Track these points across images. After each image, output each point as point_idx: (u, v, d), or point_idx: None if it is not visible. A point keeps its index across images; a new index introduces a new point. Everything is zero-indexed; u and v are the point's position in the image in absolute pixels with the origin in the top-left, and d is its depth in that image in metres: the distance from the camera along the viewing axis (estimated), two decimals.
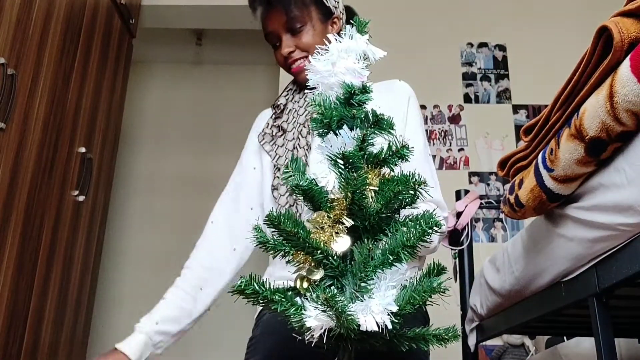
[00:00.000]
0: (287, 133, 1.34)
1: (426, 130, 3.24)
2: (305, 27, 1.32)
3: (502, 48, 3.41)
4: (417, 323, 0.78)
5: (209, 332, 3.42)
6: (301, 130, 1.32)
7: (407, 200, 0.72)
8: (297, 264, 0.71)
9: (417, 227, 0.68)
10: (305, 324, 0.65)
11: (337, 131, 0.73)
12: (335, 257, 0.69)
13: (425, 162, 1.30)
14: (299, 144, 1.31)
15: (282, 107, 1.38)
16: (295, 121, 1.35)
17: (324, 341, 0.66)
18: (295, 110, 1.37)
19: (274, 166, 1.32)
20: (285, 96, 1.41)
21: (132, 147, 4.21)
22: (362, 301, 0.65)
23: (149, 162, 4.25)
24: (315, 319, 0.65)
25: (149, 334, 1.21)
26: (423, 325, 0.74)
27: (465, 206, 1.63)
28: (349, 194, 0.69)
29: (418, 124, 1.34)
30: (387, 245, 0.69)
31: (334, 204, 0.71)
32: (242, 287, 0.68)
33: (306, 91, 1.41)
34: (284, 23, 1.31)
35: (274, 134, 1.36)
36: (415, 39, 3.39)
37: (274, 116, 1.39)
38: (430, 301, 0.68)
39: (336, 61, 0.75)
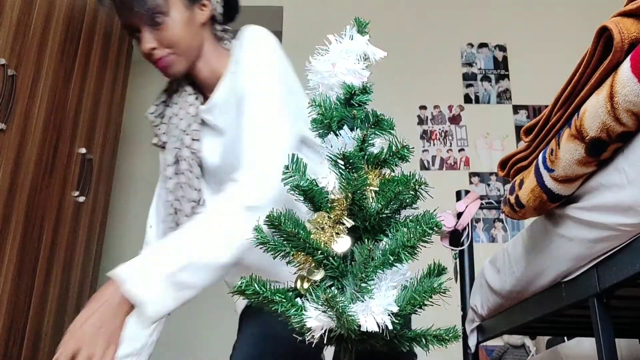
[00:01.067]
0: (167, 144, 1.22)
1: (426, 131, 3.26)
2: (166, 18, 1.13)
3: (502, 48, 3.41)
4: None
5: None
6: (183, 138, 1.19)
7: (407, 200, 0.72)
8: (297, 265, 0.71)
9: (418, 227, 0.68)
10: (305, 325, 0.65)
11: (337, 132, 0.73)
12: (335, 258, 0.69)
13: (270, 114, 1.11)
14: (180, 155, 1.19)
15: (154, 120, 1.27)
16: (176, 127, 1.21)
17: (325, 342, 0.66)
18: (175, 115, 1.22)
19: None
20: (156, 104, 1.28)
21: (133, 147, 4.21)
22: (363, 302, 0.65)
23: (150, 162, 4.23)
24: (316, 320, 0.65)
25: None
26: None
27: (466, 207, 1.63)
28: (350, 195, 0.69)
29: (256, 66, 1.15)
30: (387, 246, 0.69)
31: (335, 204, 0.71)
32: (243, 287, 0.68)
33: (186, 88, 1.22)
34: (140, 16, 1.12)
35: (158, 144, 1.27)
36: (416, 39, 3.39)
37: (153, 126, 1.28)
38: (431, 302, 0.68)
39: (336, 62, 0.75)
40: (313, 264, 0.70)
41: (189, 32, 1.17)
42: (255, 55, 1.17)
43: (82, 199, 2.48)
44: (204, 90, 1.25)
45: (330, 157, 0.72)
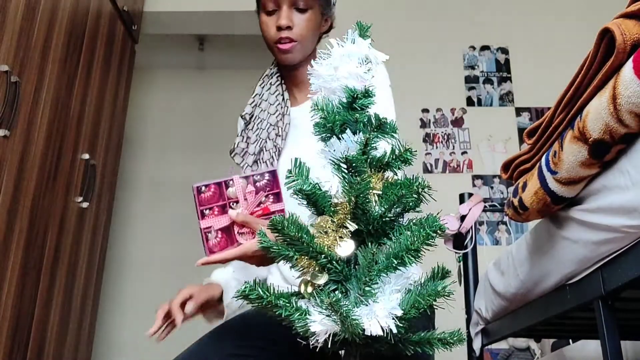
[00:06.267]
0: (252, 136, 1.30)
1: (429, 134, 3.26)
2: (309, 11, 1.25)
3: (504, 51, 3.41)
4: (420, 325, 0.77)
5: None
6: (270, 132, 1.27)
7: (410, 204, 0.72)
8: (301, 269, 0.70)
9: (421, 230, 0.68)
10: (309, 329, 0.65)
11: (340, 135, 0.73)
12: (339, 262, 0.69)
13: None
14: (265, 147, 1.27)
15: (248, 118, 1.34)
16: (263, 121, 1.29)
17: (329, 346, 0.66)
18: (264, 110, 1.31)
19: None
20: (251, 104, 1.36)
21: (136, 152, 4.21)
22: (367, 305, 0.65)
23: (153, 167, 4.25)
24: (320, 324, 0.65)
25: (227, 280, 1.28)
26: (429, 325, 0.73)
27: (469, 209, 1.62)
28: (353, 198, 0.69)
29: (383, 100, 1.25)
30: (391, 249, 0.69)
31: (338, 208, 0.71)
32: (247, 292, 0.68)
33: (264, 92, 1.37)
34: None
35: (247, 144, 1.32)
36: (417, 42, 3.39)
37: (244, 126, 1.35)
38: (435, 305, 0.68)
39: (338, 65, 0.75)
40: (317, 268, 0.69)
41: (314, 34, 1.29)
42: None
43: (85, 204, 2.48)
44: (297, 94, 1.34)
45: (333, 161, 0.72)
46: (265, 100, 1.33)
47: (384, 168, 0.74)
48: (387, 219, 0.71)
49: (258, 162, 1.28)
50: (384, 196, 0.71)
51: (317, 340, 0.66)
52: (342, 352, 0.73)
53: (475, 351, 1.55)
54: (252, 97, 1.37)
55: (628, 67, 0.73)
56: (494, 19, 3.47)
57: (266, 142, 1.27)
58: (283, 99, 1.31)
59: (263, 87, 1.36)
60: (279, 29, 1.24)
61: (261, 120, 1.31)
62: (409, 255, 0.67)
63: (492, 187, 3.14)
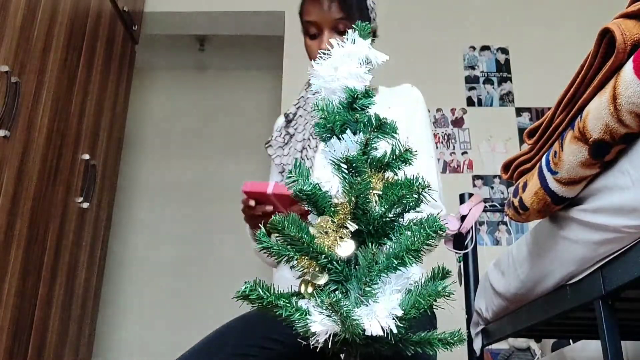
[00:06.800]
0: (297, 134, 1.36)
1: None
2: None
3: (504, 51, 3.41)
4: (421, 326, 0.78)
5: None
6: (312, 132, 1.34)
7: (410, 204, 0.72)
8: (301, 269, 0.70)
9: (422, 231, 0.68)
10: (310, 329, 0.65)
11: (340, 135, 0.73)
12: (339, 262, 0.69)
13: (430, 169, 1.35)
14: (309, 145, 1.33)
15: (291, 117, 1.41)
16: (307, 123, 1.37)
17: (329, 346, 0.66)
18: (308, 112, 1.39)
19: (282, 171, 1.36)
20: (296, 105, 1.43)
21: (136, 153, 4.21)
22: (367, 305, 0.65)
23: (153, 168, 4.25)
24: (320, 324, 0.65)
25: None
26: (429, 326, 0.73)
27: (469, 210, 1.62)
28: (353, 198, 0.69)
29: (424, 127, 1.39)
30: (391, 250, 0.69)
31: (338, 208, 0.71)
32: (247, 292, 0.68)
33: (309, 95, 1.44)
34: (333, 20, 1.27)
35: (285, 140, 1.39)
36: (418, 42, 3.39)
37: (285, 123, 1.42)
38: (436, 305, 0.68)
39: (339, 66, 0.75)
40: (317, 268, 0.69)
41: None
42: (423, 110, 1.42)
43: (85, 205, 2.48)
44: None
45: (334, 161, 0.72)
46: (309, 104, 1.41)
47: (384, 168, 0.74)
48: (387, 219, 0.71)
49: (303, 159, 1.36)
50: (384, 196, 0.71)
51: (318, 340, 0.66)
52: (342, 354, 0.73)
53: (475, 351, 1.55)
54: (297, 99, 1.45)
55: (628, 67, 0.73)
56: (494, 19, 3.47)
57: (309, 140, 1.33)
58: None
59: (307, 91, 1.43)
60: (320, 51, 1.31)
61: (306, 122, 1.38)
62: (409, 256, 0.67)
63: (492, 187, 3.14)
